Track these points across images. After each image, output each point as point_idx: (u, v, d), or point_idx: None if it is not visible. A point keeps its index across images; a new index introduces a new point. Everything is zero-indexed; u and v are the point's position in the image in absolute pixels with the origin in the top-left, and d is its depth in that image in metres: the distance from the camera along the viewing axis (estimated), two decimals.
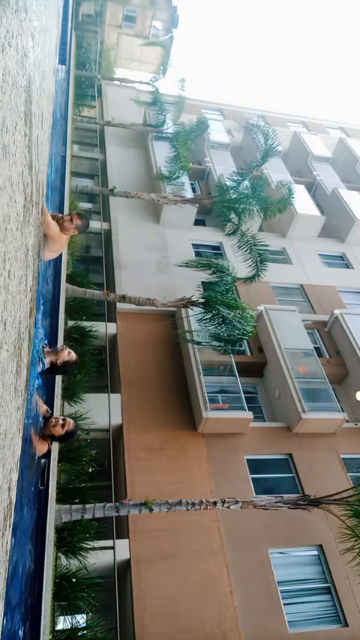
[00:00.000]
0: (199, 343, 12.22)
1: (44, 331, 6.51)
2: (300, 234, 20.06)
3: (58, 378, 8.07)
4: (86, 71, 25.97)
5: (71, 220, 4.89)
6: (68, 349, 5.08)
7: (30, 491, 4.67)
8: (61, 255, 8.47)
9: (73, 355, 5.09)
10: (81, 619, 8.87)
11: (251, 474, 11.97)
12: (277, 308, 15.69)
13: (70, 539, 8.65)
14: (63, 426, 4.63)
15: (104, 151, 22.11)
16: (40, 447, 4.71)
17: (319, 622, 10.14)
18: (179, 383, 13.36)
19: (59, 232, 4.81)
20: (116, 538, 10.16)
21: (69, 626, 8.32)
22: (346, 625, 10.01)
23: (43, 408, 4.99)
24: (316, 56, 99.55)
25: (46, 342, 5.27)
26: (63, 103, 13.50)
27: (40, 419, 4.78)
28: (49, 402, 7.22)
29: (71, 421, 4.75)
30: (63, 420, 4.67)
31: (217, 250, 18.76)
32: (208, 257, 14.82)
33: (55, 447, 7.51)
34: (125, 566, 10.03)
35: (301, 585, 10.57)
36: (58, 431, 4.64)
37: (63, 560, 8.74)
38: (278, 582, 10.28)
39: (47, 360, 4.69)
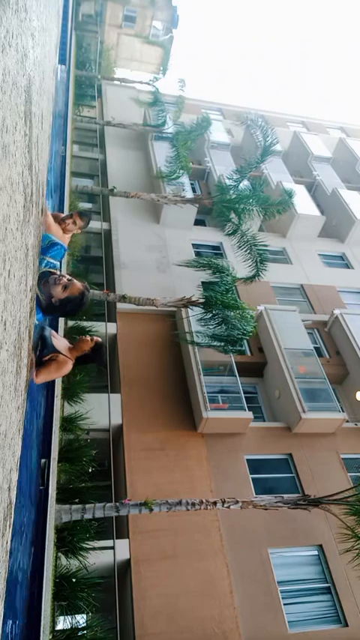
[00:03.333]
0: (198, 344, 12.21)
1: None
2: (300, 234, 20.06)
3: (58, 380, 8.05)
4: (86, 71, 25.96)
5: (74, 222, 4.94)
6: (66, 281, 3.62)
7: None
8: None
9: (75, 288, 3.63)
10: (81, 619, 8.88)
11: (251, 473, 11.97)
12: (277, 308, 15.69)
13: (70, 539, 8.66)
14: (91, 340, 4.10)
15: (104, 151, 22.10)
16: (54, 372, 3.98)
17: (319, 622, 10.15)
18: (179, 383, 13.36)
19: (62, 234, 4.85)
20: (116, 538, 10.16)
21: (69, 626, 8.33)
22: (346, 625, 10.02)
23: (61, 342, 4.20)
24: (316, 56, 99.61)
25: (54, 267, 3.99)
26: (63, 103, 13.50)
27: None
28: (49, 403, 7.21)
29: (91, 338, 4.15)
30: (91, 339, 4.11)
31: (217, 250, 18.76)
32: (208, 257, 14.79)
33: (55, 446, 7.50)
34: (125, 566, 10.03)
35: (301, 585, 10.57)
36: (88, 345, 4.06)
37: (63, 560, 8.75)
38: (278, 582, 10.29)
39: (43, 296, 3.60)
